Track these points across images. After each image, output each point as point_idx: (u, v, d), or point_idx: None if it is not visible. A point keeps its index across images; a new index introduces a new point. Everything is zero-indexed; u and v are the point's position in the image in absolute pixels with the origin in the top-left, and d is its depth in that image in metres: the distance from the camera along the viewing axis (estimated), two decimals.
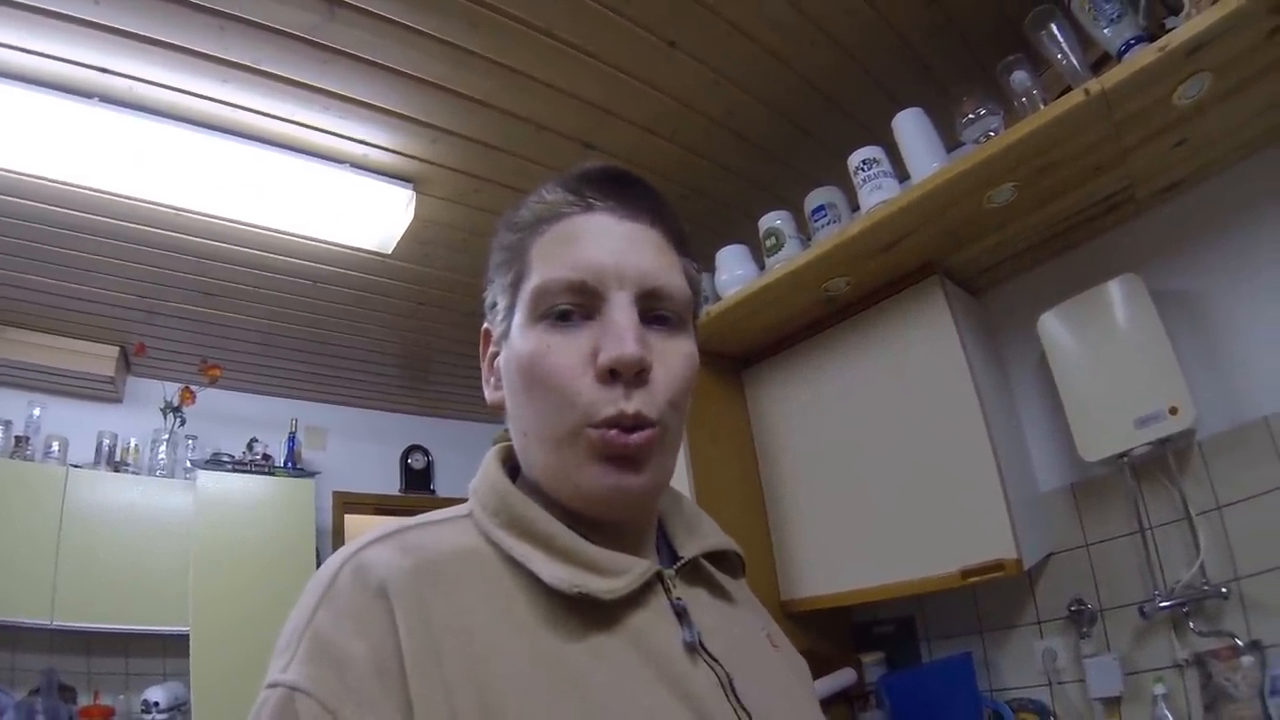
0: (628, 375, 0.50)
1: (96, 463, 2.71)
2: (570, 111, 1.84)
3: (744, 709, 0.50)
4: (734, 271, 1.82)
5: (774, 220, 1.76)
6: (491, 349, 0.60)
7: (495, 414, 0.59)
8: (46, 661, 2.44)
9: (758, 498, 1.90)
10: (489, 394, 0.60)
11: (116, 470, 2.72)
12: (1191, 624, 1.29)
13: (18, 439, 2.57)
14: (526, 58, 1.66)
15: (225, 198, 2.05)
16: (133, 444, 2.81)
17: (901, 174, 1.53)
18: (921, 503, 1.52)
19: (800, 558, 1.77)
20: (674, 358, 0.53)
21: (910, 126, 1.48)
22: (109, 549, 2.53)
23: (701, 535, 0.62)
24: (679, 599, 0.54)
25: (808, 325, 1.83)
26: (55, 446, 2.63)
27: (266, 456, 3.10)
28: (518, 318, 0.54)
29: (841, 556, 1.67)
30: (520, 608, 0.48)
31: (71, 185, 1.94)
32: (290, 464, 3.17)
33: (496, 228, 0.60)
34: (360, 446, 3.61)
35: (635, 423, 0.50)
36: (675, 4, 1.55)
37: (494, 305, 0.59)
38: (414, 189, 2.10)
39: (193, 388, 2.91)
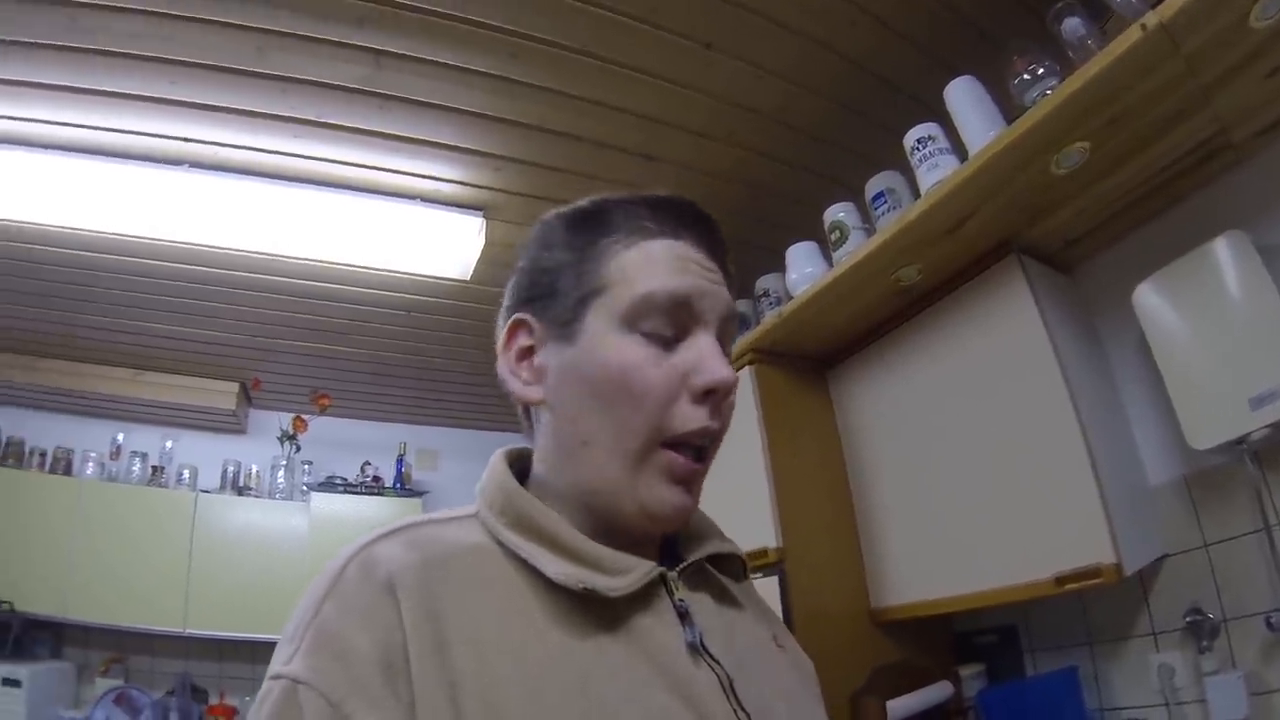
0: (720, 398, 0.54)
1: (222, 488, 3.01)
2: (624, 126, 1.86)
3: (744, 710, 0.51)
4: (803, 270, 1.78)
5: (838, 213, 1.70)
6: (526, 342, 0.59)
7: (531, 408, 0.59)
8: (183, 665, 2.74)
9: (845, 502, 1.81)
10: (522, 389, 0.58)
11: (240, 494, 3.01)
12: None
13: (154, 469, 2.90)
14: (569, 79, 1.71)
15: (316, 241, 2.23)
16: (254, 470, 3.09)
17: (962, 150, 1.43)
18: (1014, 504, 1.39)
19: (891, 564, 1.68)
20: None
21: (962, 96, 1.39)
22: (234, 565, 2.81)
23: (705, 539, 0.62)
24: (681, 600, 0.54)
25: (887, 319, 1.74)
26: (186, 474, 2.95)
27: (377, 479, 3.31)
28: (597, 321, 0.54)
29: (933, 562, 1.56)
30: (526, 605, 0.49)
31: (184, 244, 2.18)
32: (399, 485, 3.36)
33: (554, 220, 0.61)
34: (471, 466, 3.66)
35: (713, 438, 0.55)
36: (705, 6, 1.54)
37: (545, 297, 0.57)
38: (484, 216, 2.18)
39: (305, 417, 3.16)
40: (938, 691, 1.59)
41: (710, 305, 0.55)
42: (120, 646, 2.75)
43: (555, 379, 0.56)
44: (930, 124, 1.47)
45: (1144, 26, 0.99)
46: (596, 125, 1.85)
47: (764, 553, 1.63)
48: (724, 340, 0.57)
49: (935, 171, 1.41)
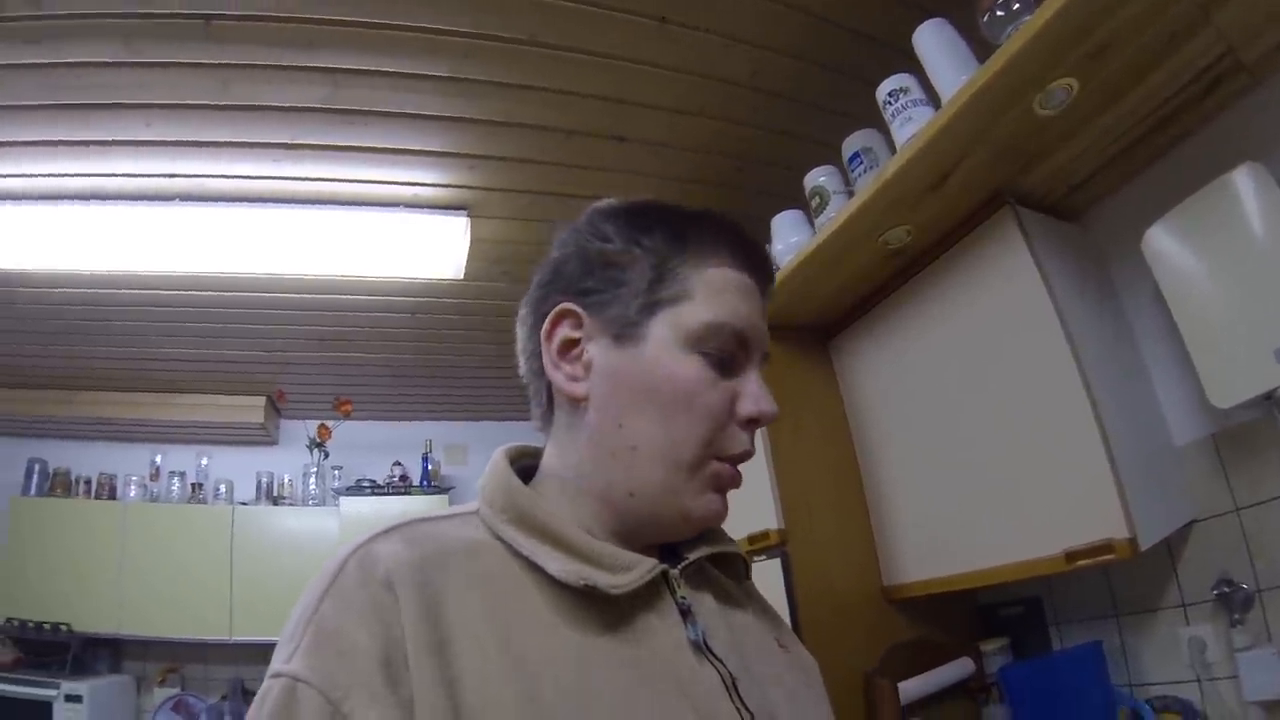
0: (759, 425, 0.58)
1: (258, 499, 3.12)
2: (590, 111, 1.80)
3: (747, 710, 0.51)
4: (788, 240, 1.70)
5: (818, 178, 1.61)
6: (572, 334, 0.57)
7: (560, 402, 0.58)
8: (234, 671, 2.87)
9: (853, 477, 1.74)
10: (567, 385, 0.57)
11: (275, 504, 3.12)
12: None
13: (193, 486, 3.02)
14: (527, 71, 1.65)
15: (313, 256, 2.25)
16: (286, 479, 3.19)
17: (937, 100, 1.31)
18: (1023, 475, 1.30)
19: (902, 540, 1.61)
20: None
21: (931, 41, 1.27)
22: (273, 572, 2.90)
23: (706, 538, 0.62)
24: (684, 598, 0.55)
25: (883, 284, 1.65)
26: (222, 489, 3.06)
27: (404, 478, 3.37)
28: (663, 331, 0.55)
29: (946, 537, 1.48)
30: (527, 602, 0.49)
31: (189, 272, 2.25)
32: (426, 482, 3.41)
33: (612, 212, 0.60)
34: None
35: (748, 459, 0.59)
36: None
37: (603, 291, 0.56)
38: (468, 215, 2.15)
39: (328, 424, 3.22)
40: (957, 669, 1.52)
41: (759, 342, 0.59)
42: (175, 657, 2.91)
43: (604, 379, 0.56)
44: (903, 75, 1.35)
45: None
46: (562, 114, 1.80)
47: (765, 535, 1.58)
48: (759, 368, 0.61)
49: (909, 125, 1.30)
